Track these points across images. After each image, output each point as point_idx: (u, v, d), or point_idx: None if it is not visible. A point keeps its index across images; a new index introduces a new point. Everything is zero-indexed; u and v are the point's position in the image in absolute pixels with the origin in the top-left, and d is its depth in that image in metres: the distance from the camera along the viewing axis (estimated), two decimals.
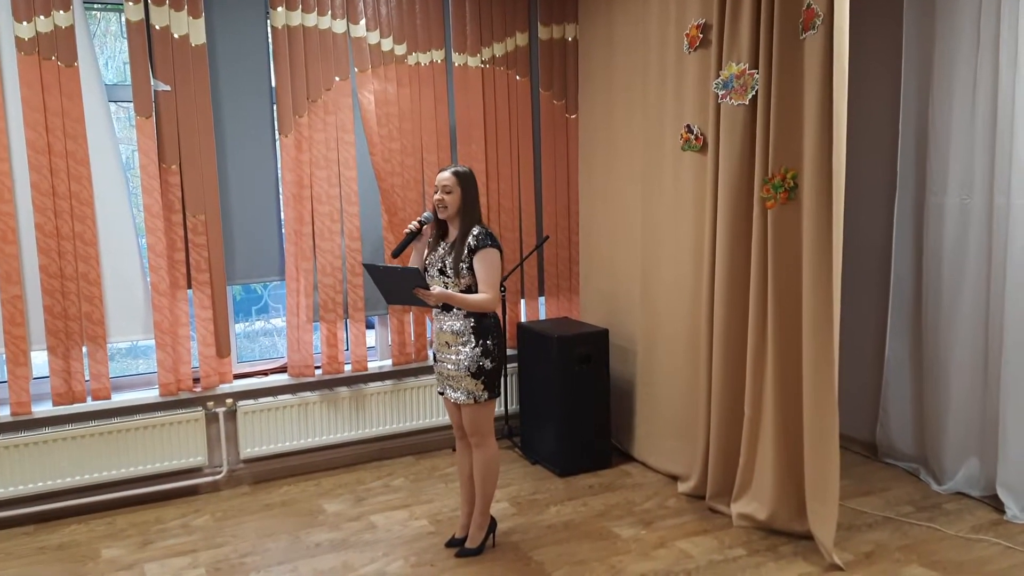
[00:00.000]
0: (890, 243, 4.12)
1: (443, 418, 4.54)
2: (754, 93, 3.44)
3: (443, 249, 3.29)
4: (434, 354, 3.41)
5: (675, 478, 4.13)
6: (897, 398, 4.19)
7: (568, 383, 4.20)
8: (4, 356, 3.70)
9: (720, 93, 3.59)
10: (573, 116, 4.74)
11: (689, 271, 3.91)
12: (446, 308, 3.27)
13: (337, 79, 4.14)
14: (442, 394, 3.39)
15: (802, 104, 3.26)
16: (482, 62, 4.48)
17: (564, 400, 4.21)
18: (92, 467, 3.86)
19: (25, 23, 3.54)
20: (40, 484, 3.77)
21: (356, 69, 4.18)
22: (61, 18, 3.58)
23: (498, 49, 4.51)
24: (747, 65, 3.45)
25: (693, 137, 3.79)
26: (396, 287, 3.25)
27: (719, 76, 3.58)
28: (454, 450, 4.44)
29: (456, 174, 3.25)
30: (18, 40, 3.54)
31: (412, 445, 4.59)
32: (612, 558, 3.38)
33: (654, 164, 4.10)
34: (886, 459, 4.28)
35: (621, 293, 4.45)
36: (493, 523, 3.51)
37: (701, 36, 3.70)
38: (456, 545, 3.49)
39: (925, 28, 3.83)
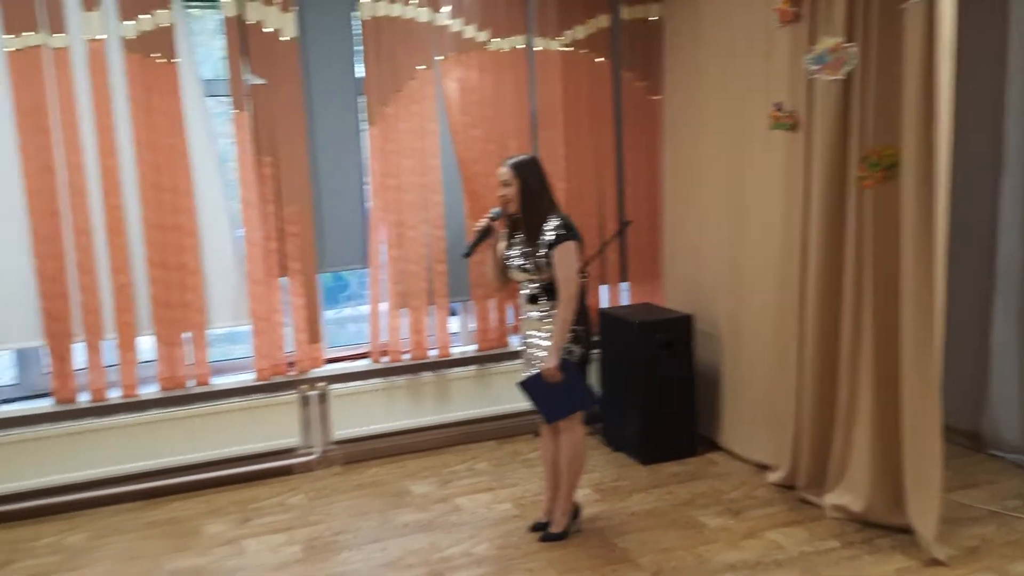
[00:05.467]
0: (995, 223, 3.90)
1: (526, 403, 4.55)
2: (850, 68, 3.31)
3: (519, 244, 3.27)
4: (521, 339, 3.43)
5: (764, 467, 4.03)
6: (1004, 385, 3.97)
7: (651, 370, 4.15)
8: (116, 341, 3.90)
9: (813, 69, 3.46)
10: (656, 97, 4.66)
11: (779, 254, 3.80)
12: (532, 300, 3.28)
13: (421, 68, 4.19)
14: None
15: (902, 78, 3.11)
16: (563, 45, 4.45)
17: (647, 387, 4.17)
18: (194, 447, 4.03)
19: (130, 22, 3.71)
20: (147, 463, 3.97)
21: (440, 57, 4.23)
22: (162, 16, 3.75)
23: (580, 32, 4.47)
24: (842, 38, 3.32)
25: (784, 115, 3.68)
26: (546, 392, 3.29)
27: (812, 51, 3.46)
28: (536, 435, 4.46)
29: (512, 166, 3.21)
30: (124, 40, 3.71)
31: (495, 430, 4.63)
32: (699, 547, 3.34)
33: (742, 144, 3.99)
34: (991, 450, 4.07)
35: (707, 278, 4.37)
36: (577, 509, 3.52)
37: (793, 10, 3.57)
38: (540, 529, 3.50)
39: None
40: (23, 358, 3.96)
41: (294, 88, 4.00)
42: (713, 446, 4.40)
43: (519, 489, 3.99)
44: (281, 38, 3.94)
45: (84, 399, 3.89)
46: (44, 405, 3.86)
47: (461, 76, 4.26)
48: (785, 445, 3.82)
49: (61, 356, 3.80)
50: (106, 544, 3.59)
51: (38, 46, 3.59)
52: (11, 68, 3.57)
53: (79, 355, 3.86)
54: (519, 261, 3.25)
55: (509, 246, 3.32)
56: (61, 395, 3.84)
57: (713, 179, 4.25)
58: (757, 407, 4.06)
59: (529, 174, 3.22)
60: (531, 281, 3.26)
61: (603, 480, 4.06)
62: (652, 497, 3.84)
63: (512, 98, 4.38)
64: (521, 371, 3.43)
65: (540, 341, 3.28)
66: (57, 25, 3.61)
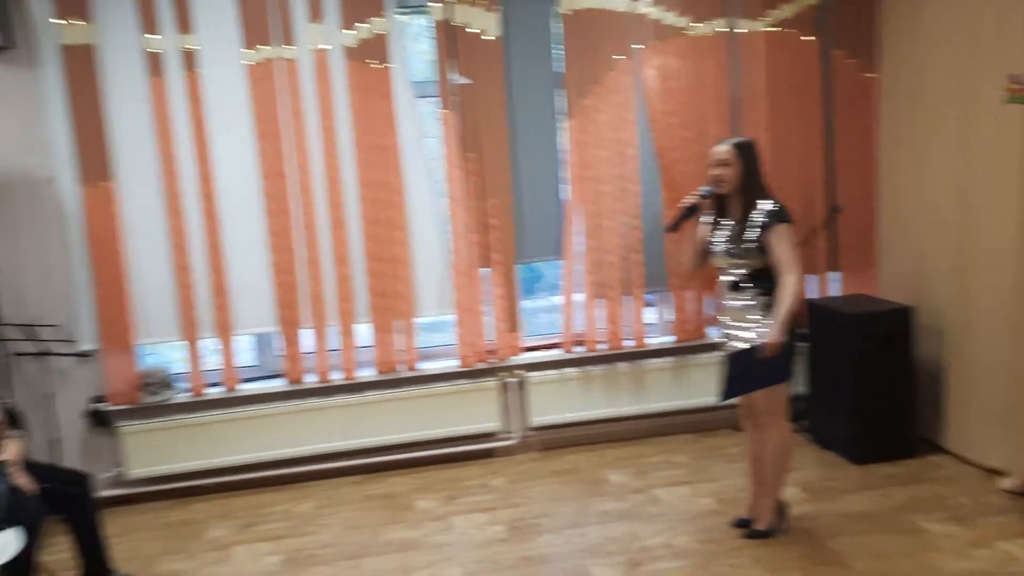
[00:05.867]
0: None
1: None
2: None
3: (727, 228, 3.19)
4: (720, 331, 3.36)
5: (995, 472, 3.69)
6: None
7: (865, 365, 3.92)
8: (338, 328, 4.22)
9: None
10: (871, 75, 4.37)
11: (1016, 239, 3.45)
12: (736, 288, 3.20)
13: (620, 58, 4.20)
14: None
15: None
16: (768, 26, 4.28)
17: (860, 383, 3.94)
18: (405, 427, 4.30)
19: (349, 32, 3.99)
20: (364, 440, 4.28)
21: (639, 46, 4.21)
22: (377, 24, 4.00)
23: (786, 11, 4.28)
24: None
25: (1022, 88, 3.33)
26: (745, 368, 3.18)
27: None
28: (736, 430, 4.34)
29: (735, 146, 3.14)
30: (344, 48, 4.00)
31: (692, 423, 4.56)
32: (921, 554, 3.12)
33: (970, 121, 3.68)
34: None
35: (929, 267, 4.05)
36: (784, 507, 3.40)
37: None
38: (743, 526, 3.42)
39: None
40: (260, 342, 4.39)
41: (497, 86, 4.14)
42: (935, 448, 4.08)
43: (719, 484, 3.91)
44: (485, 38, 4.09)
45: (311, 380, 4.26)
46: (277, 385, 4.26)
47: (660, 64, 4.22)
48: (1021, 449, 3.48)
49: (291, 341, 4.18)
50: (330, 513, 3.92)
51: (271, 59, 3.96)
52: (250, 80, 3.96)
53: (306, 340, 4.23)
54: (726, 245, 3.18)
55: (713, 229, 3.26)
56: (292, 376, 4.23)
57: (937, 159, 3.94)
58: (989, 407, 3.73)
59: (749, 154, 3.15)
60: (736, 267, 3.18)
61: (811, 479, 3.88)
62: (866, 499, 3.63)
63: (712, 83, 4.28)
64: (720, 364, 3.36)
65: (741, 333, 3.19)
66: (287, 38, 3.96)
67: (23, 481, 3.08)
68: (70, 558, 3.31)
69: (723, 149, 3.15)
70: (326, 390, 4.26)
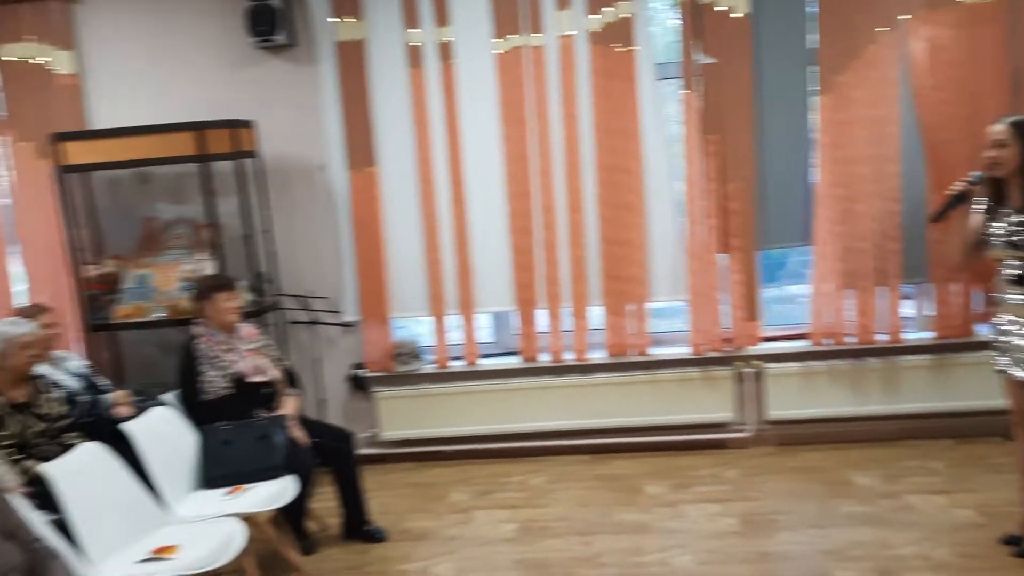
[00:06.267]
0: None
1: (993, 401, 4.00)
2: None
3: (1011, 216, 2.86)
4: (994, 328, 3.03)
5: None
6: None
7: None
8: (571, 309, 4.31)
9: None
10: None
11: None
12: (1020, 282, 2.87)
13: (882, 30, 3.90)
14: (1003, 372, 3.00)
15: None
16: None
17: None
18: (634, 411, 4.31)
19: (595, 16, 4.03)
20: (593, 421, 4.35)
21: (905, 17, 3.88)
22: (623, 7, 4.01)
23: None
24: None
25: None
26: None
27: None
28: (1007, 439, 3.91)
29: (1012, 125, 2.82)
30: (589, 33, 4.05)
31: (952, 427, 4.16)
32: None
33: None
34: None
35: None
36: None
37: None
38: (1014, 544, 3.10)
39: None
40: (498, 320, 4.60)
41: (743, 64, 4.00)
42: None
43: (982, 496, 3.56)
44: (733, 15, 3.96)
45: (544, 359, 4.39)
46: (513, 362, 4.44)
47: (930, 35, 3.86)
48: None
49: (527, 320, 4.33)
50: (561, 488, 4.04)
51: (519, 47, 4.10)
52: (499, 68, 4.13)
53: (541, 320, 4.36)
54: (1008, 235, 2.86)
55: (990, 218, 2.94)
56: (527, 354, 4.39)
57: None
58: None
59: None
60: (1022, 259, 2.85)
61: None
62: None
63: (990, 56, 3.85)
64: (994, 364, 3.03)
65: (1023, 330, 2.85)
66: (535, 26, 4.08)
67: (299, 434, 3.47)
68: (334, 507, 3.68)
69: (999, 128, 2.85)
70: (558, 369, 4.37)
